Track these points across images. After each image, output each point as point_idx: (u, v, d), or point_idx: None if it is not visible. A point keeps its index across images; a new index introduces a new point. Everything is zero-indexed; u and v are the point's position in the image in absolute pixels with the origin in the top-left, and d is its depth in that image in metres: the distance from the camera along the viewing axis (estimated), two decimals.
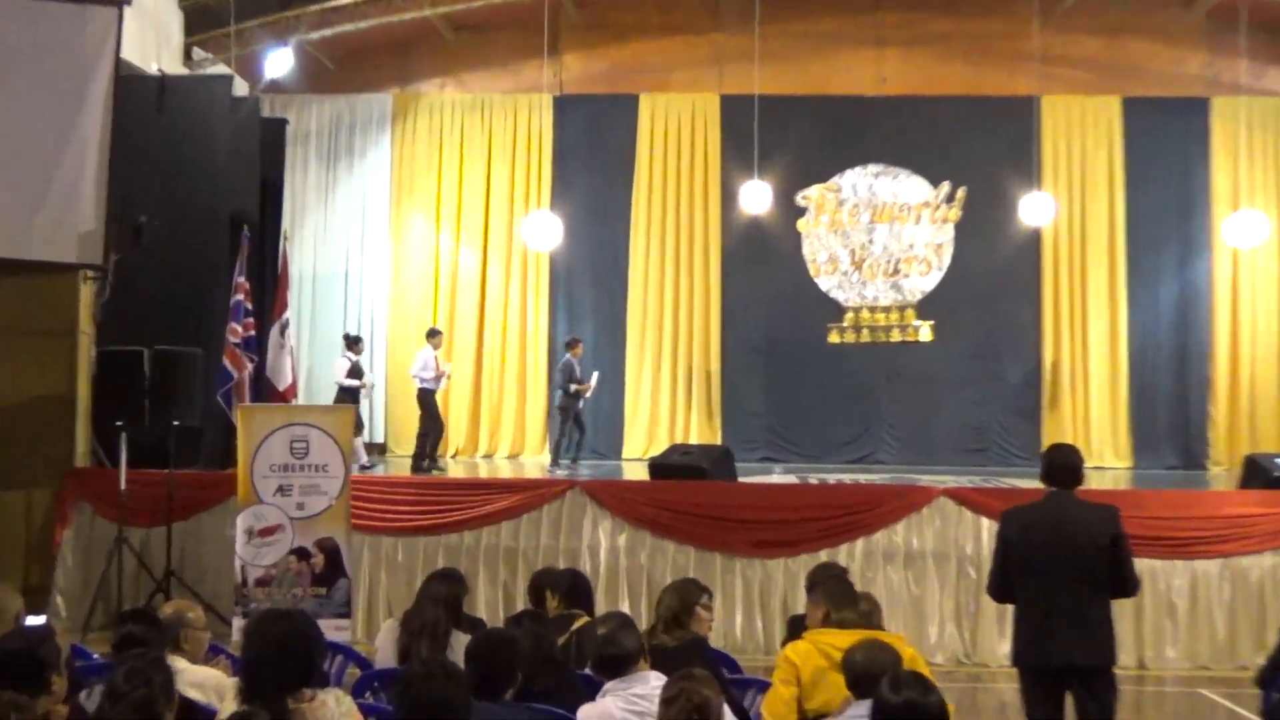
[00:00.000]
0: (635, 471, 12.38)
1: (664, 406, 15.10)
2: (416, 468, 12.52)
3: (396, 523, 9.49)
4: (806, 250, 15.14)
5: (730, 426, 14.93)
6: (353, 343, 13.06)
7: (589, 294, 15.41)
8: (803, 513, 9.31)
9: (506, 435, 15.19)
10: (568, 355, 13.20)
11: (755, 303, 15.10)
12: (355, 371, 12.80)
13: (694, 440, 14.46)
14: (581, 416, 13.35)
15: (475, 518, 9.42)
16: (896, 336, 14.88)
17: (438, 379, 13.06)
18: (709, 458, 10.26)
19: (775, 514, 9.32)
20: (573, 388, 13.08)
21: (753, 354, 15.09)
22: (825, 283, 15.08)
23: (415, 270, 15.47)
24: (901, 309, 14.90)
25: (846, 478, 12.27)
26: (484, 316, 15.36)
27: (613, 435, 14.92)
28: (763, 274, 15.11)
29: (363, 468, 12.20)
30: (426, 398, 12.98)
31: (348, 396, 12.60)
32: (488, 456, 14.97)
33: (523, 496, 9.46)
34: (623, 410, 15.00)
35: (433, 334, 13.29)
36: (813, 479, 12.08)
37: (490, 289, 15.42)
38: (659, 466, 10.28)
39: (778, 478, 12.44)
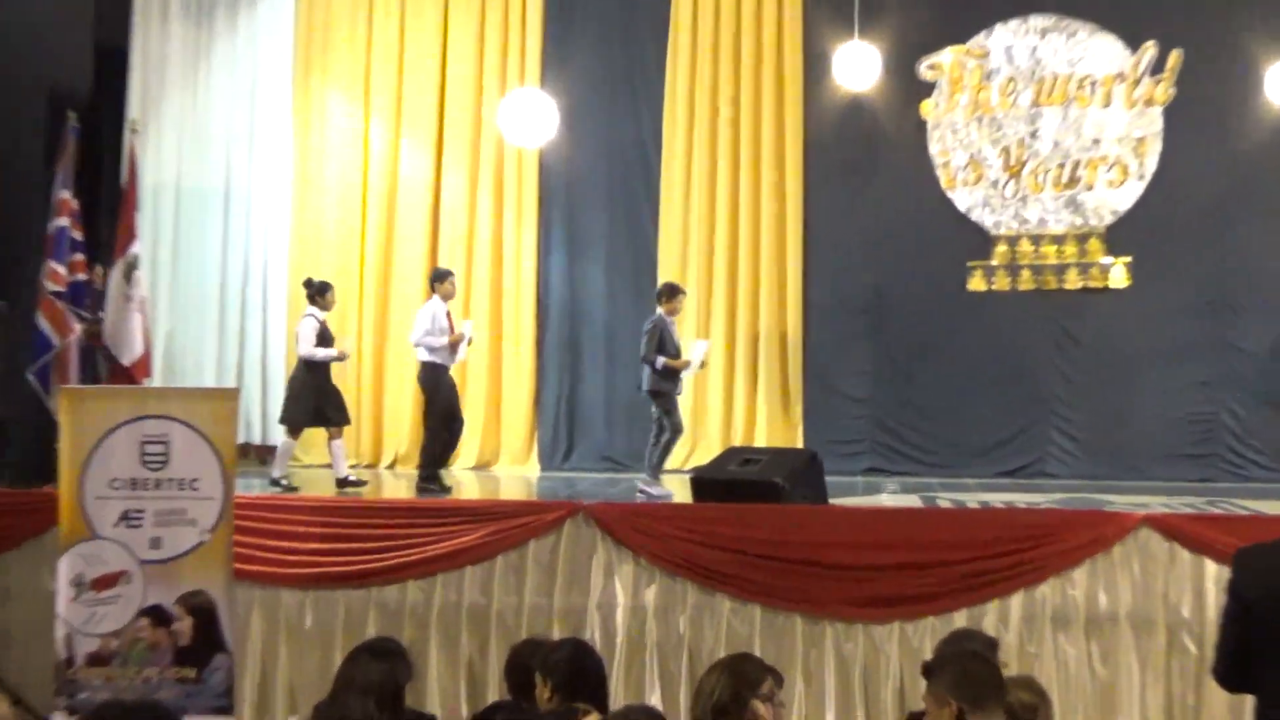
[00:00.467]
0: (671, 489, 12.33)
1: (715, 391, 15.09)
2: (424, 488, 12.35)
3: (304, 568, 9.49)
4: (935, 148, 15.04)
5: (817, 421, 14.96)
6: (320, 292, 12.77)
7: (601, 218, 15.46)
8: (930, 553, 9.24)
9: (472, 435, 15.20)
10: (660, 311, 12.82)
11: (855, 230, 15.05)
12: (326, 337, 12.68)
13: (761, 442, 14.50)
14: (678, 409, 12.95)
15: (425, 560, 9.44)
16: (1074, 281, 14.72)
17: (453, 348, 12.55)
18: (784, 468, 10.20)
19: (887, 555, 9.25)
20: (660, 362, 12.48)
21: (851, 310, 15.06)
22: (964, 198, 14.97)
23: (332, 181, 15.54)
24: (1082, 239, 14.74)
25: (997, 499, 12.19)
26: (437, 252, 15.45)
27: (638, 434, 14.86)
28: (867, 185, 15.05)
29: (346, 484, 12.27)
30: (436, 378, 12.54)
31: (315, 375, 12.58)
32: (444, 467, 14.96)
33: (497, 528, 9.45)
34: None
35: (440, 277, 12.84)
36: (944, 501, 12.01)
37: (448, 210, 15.50)
38: (707, 482, 10.30)
39: (890, 499, 12.41)
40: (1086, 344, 14.73)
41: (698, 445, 14.78)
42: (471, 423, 15.11)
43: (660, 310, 12.69)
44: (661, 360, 12.39)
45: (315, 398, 12.48)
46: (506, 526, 9.46)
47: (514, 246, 15.41)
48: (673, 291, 12.89)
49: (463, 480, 14.17)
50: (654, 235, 15.29)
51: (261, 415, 15.35)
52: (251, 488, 11.73)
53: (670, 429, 12.57)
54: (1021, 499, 12.26)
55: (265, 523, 9.61)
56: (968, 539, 9.39)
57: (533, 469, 15.02)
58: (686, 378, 13.01)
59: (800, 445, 14.38)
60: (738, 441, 14.46)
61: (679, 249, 15.22)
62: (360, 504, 10.88)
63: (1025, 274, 14.82)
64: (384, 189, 15.53)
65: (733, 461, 10.76)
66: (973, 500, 12.17)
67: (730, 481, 10.10)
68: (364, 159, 15.55)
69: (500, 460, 15.20)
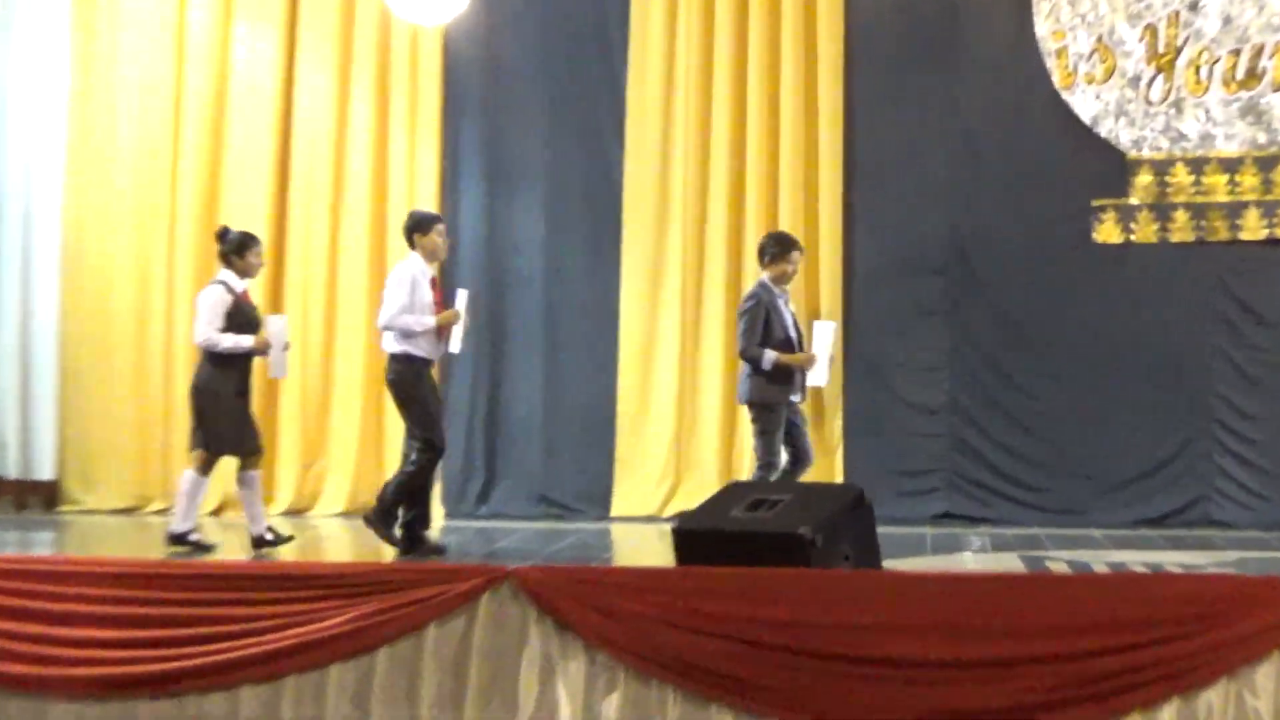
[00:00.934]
0: (639, 546, 12.28)
1: (709, 398, 15.23)
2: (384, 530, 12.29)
3: (84, 667, 9.42)
4: (1044, 27, 15.02)
5: (865, 441, 15.07)
6: (237, 250, 12.67)
7: (537, 133, 15.55)
8: (1036, 642, 9.11)
9: (344, 467, 15.44)
10: (764, 277, 12.70)
11: (922, 152, 15.14)
12: (245, 317, 12.56)
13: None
14: (803, 430, 12.68)
15: (267, 655, 9.35)
16: (1255, 228, 14.70)
17: (441, 333, 12.37)
18: (814, 515, 10.12)
19: (972, 645, 9.14)
20: (769, 359, 12.24)
21: (916, 273, 15.19)
22: (1088, 103, 14.96)
23: (130, 79, 15.71)
24: (1267, 164, 14.73)
25: (1137, 560, 12.32)
26: (287, 181, 15.63)
27: (593, 462, 15.10)
28: (941, 84, 15.13)
29: (181, 541, 12.16)
30: (414, 377, 12.48)
31: (228, 374, 12.43)
32: (298, 513, 15.09)
33: (378, 606, 9.39)
34: (614, 409, 15.23)
35: (423, 225, 12.71)
36: (1056, 563, 12.05)
37: (304, 119, 15.69)
38: (698, 535, 10.21)
39: (977, 559, 12.53)
40: (1273, 324, 14.75)
41: (684, 479, 15.04)
42: (338, 446, 15.24)
43: (764, 276, 12.54)
44: (770, 355, 12.19)
45: (236, 407, 12.34)
46: (392, 604, 9.38)
47: (404, 174, 15.57)
48: (783, 246, 12.67)
49: (324, 532, 14.12)
50: (618, 159, 15.45)
51: (20, 432, 15.40)
52: (4, 544, 11.66)
53: (794, 459, 12.40)
54: (1175, 559, 12.42)
55: (24, 598, 9.57)
56: (1093, 621, 9.22)
57: (432, 515, 14.91)
58: (817, 383, 12.81)
59: (839, 478, 14.61)
60: (744, 474, 14.37)
61: (656, 180, 15.37)
62: (169, 570, 10.77)
63: (1181, 217, 14.86)
64: (208, 90, 15.67)
65: (736, 504, 10.62)
66: (1100, 562, 12.33)
67: (732, 534, 10.03)
68: (177, 45, 15.69)
69: None
